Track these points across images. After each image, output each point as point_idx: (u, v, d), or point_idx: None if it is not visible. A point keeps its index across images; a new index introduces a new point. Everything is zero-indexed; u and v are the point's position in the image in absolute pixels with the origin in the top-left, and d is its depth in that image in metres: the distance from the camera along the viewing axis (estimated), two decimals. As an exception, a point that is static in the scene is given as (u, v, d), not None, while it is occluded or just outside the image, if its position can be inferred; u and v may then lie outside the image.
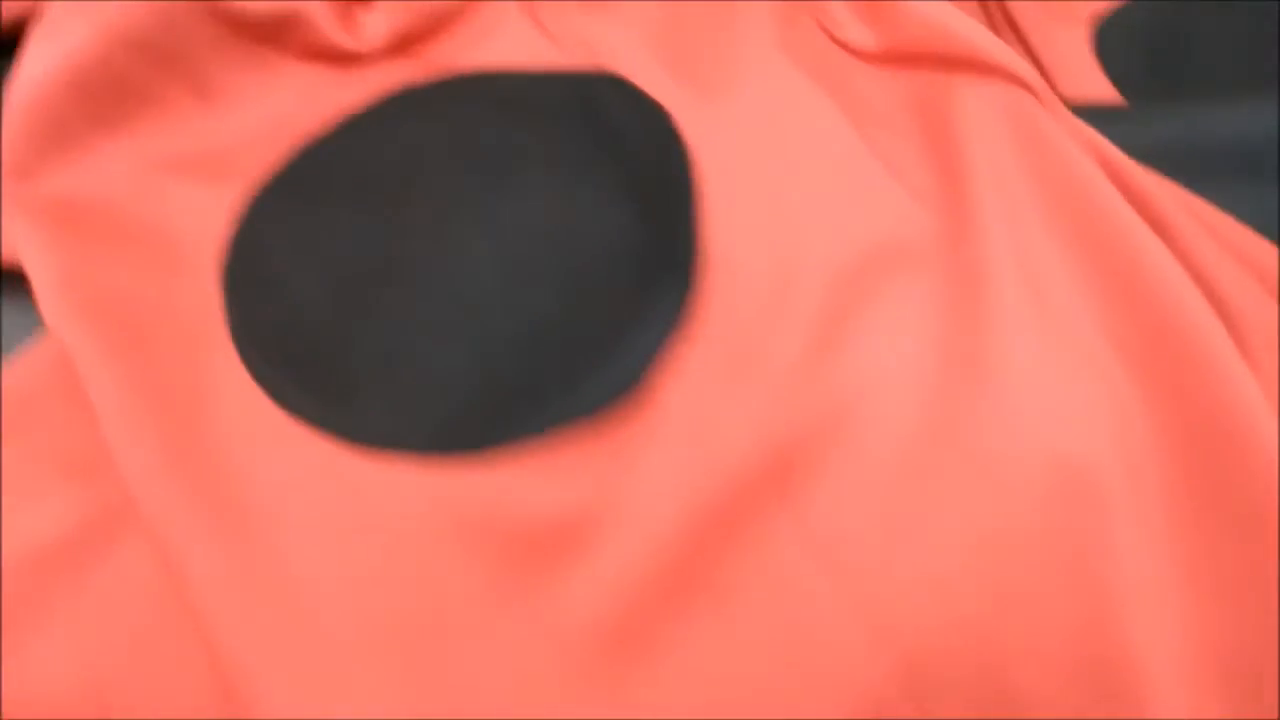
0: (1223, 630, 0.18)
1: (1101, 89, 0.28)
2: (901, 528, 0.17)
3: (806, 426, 0.17)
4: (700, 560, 0.17)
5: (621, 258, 0.19)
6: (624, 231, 0.20)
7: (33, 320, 0.18)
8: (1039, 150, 0.22)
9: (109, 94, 0.21)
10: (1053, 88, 0.28)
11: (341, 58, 0.23)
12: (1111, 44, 0.29)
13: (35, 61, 0.21)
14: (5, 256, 0.20)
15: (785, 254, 0.19)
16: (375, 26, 0.23)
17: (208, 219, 0.20)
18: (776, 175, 0.20)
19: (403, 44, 0.23)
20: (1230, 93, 0.27)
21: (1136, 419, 0.19)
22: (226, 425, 0.18)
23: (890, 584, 0.16)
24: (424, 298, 0.19)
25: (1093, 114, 0.25)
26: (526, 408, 0.18)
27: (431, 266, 0.20)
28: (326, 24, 0.23)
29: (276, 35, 0.22)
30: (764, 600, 0.17)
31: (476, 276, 0.19)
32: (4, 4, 0.23)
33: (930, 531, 0.17)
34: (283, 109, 0.22)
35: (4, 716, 0.16)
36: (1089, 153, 0.22)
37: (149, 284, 0.19)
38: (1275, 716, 0.17)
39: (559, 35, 0.23)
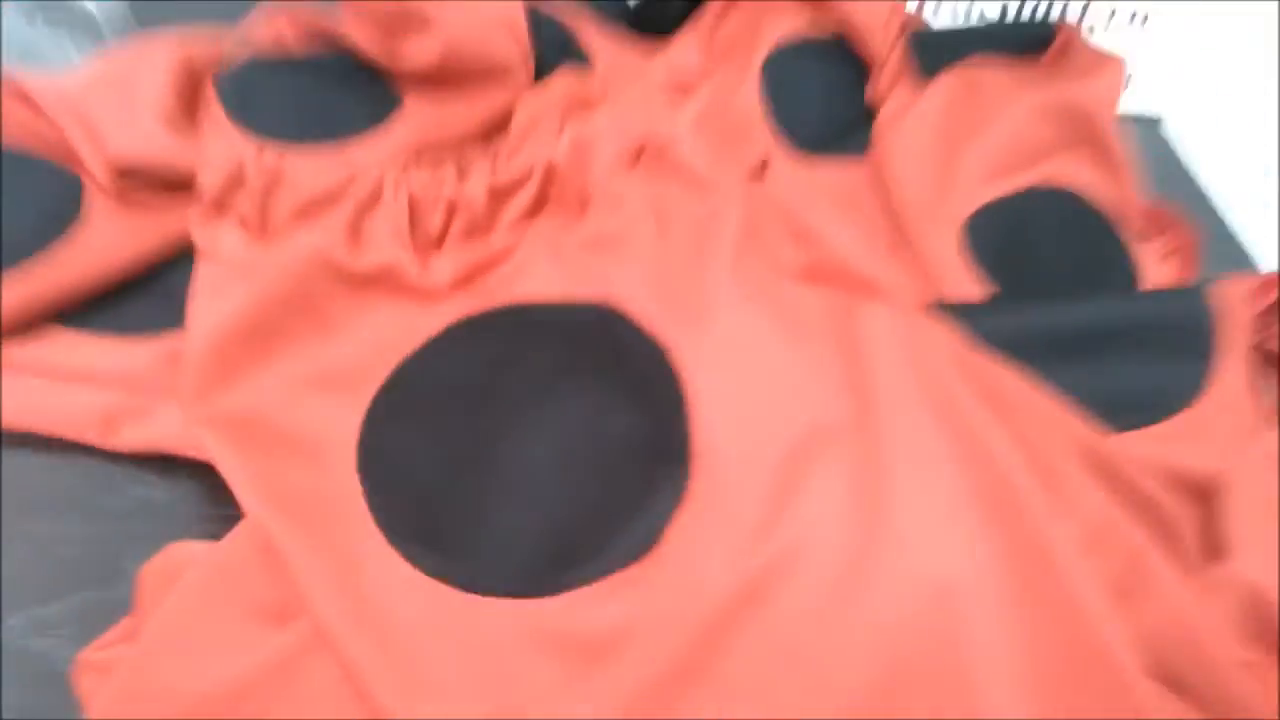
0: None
1: (970, 287, 0.38)
2: (821, 640, 0.25)
3: (765, 568, 0.26)
4: (699, 659, 0.25)
5: (636, 449, 0.28)
6: (634, 429, 0.28)
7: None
8: (918, 353, 0.32)
9: (261, 336, 0.29)
10: (935, 287, 0.38)
11: (421, 293, 0.31)
12: (977, 243, 0.40)
13: (206, 315, 0.29)
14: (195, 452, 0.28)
15: (749, 441, 0.28)
16: (442, 269, 0.32)
17: (340, 423, 0.29)
18: (740, 381, 0.29)
19: (463, 281, 0.32)
20: (1070, 288, 0.38)
21: (990, 554, 0.28)
22: (374, 580, 0.26)
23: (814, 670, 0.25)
24: (503, 481, 0.28)
25: (960, 310, 0.35)
26: (581, 559, 0.26)
27: (505, 457, 0.28)
28: (410, 270, 0.31)
29: (376, 281, 0.31)
30: (750, 687, 0.25)
31: (537, 464, 0.28)
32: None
33: (842, 646, 0.25)
34: (383, 336, 0.30)
35: None
36: (952, 348, 0.32)
37: (306, 475, 0.27)
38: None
39: (576, 271, 0.32)
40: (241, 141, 0.36)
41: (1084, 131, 0.41)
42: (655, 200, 0.33)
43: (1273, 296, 0.40)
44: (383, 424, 0.28)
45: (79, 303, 0.32)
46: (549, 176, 0.33)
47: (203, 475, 0.28)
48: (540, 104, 0.35)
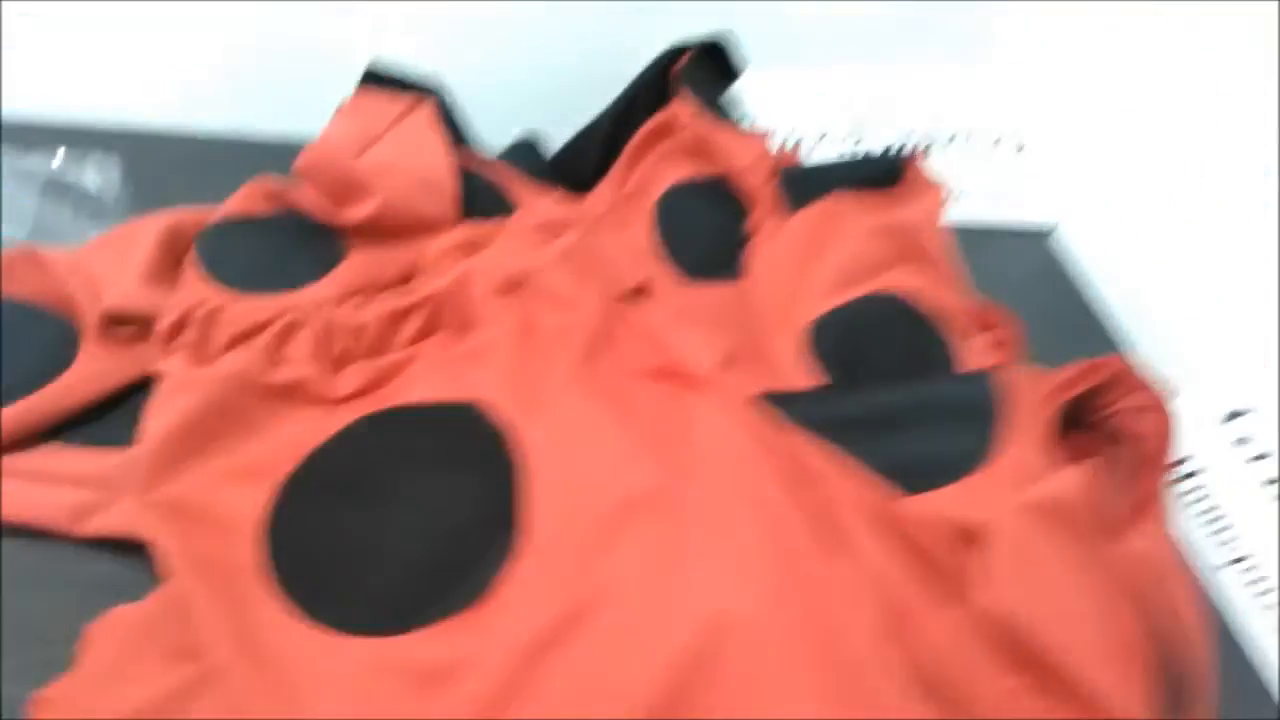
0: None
1: (806, 381, 0.44)
2: (619, 668, 0.31)
3: (572, 612, 0.32)
4: (518, 685, 0.31)
5: (478, 516, 0.35)
6: (478, 501, 0.35)
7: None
8: (733, 434, 0.38)
9: (196, 437, 0.37)
10: (778, 383, 0.44)
11: (329, 401, 0.39)
12: (817, 344, 0.46)
13: (153, 422, 0.37)
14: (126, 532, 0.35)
15: (572, 508, 0.34)
16: (347, 382, 0.39)
17: (253, 503, 0.36)
18: (570, 460, 0.36)
19: (364, 391, 0.40)
20: (886, 378, 0.44)
21: (770, 595, 0.33)
22: (264, 624, 0.32)
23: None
24: (373, 545, 0.34)
25: (780, 398, 0.41)
26: (427, 606, 0.33)
27: (376, 526, 0.35)
28: (320, 383, 0.39)
29: (291, 392, 0.39)
30: (558, 709, 0.31)
31: (400, 531, 0.35)
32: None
33: (635, 672, 0.31)
34: (296, 435, 0.38)
35: None
36: (764, 429, 0.38)
37: (218, 545, 0.34)
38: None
39: (452, 378, 0.39)
40: (202, 290, 0.45)
41: (911, 247, 0.48)
42: (522, 319, 0.40)
43: (1099, 378, 0.46)
44: (285, 503, 0.36)
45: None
46: (437, 305, 0.41)
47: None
48: (442, 248, 0.44)
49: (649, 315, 0.42)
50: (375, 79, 0.60)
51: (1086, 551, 0.34)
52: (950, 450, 0.39)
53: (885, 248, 0.48)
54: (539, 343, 0.39)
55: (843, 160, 0.58)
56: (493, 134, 0.60)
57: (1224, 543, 0.49)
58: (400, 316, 0.40)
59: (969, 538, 0.36)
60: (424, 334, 0.41)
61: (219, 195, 0.52)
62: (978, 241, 0.70)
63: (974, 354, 0.45)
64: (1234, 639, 0.48)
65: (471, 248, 0.43)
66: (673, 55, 0.60)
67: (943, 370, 0.44)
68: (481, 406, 0.38)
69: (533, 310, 0.41)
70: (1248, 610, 0.47)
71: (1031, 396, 0.40)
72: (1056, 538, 0.34)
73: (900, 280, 0.47)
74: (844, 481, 0.37)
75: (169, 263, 0.47)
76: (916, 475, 0.38)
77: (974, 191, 0.70)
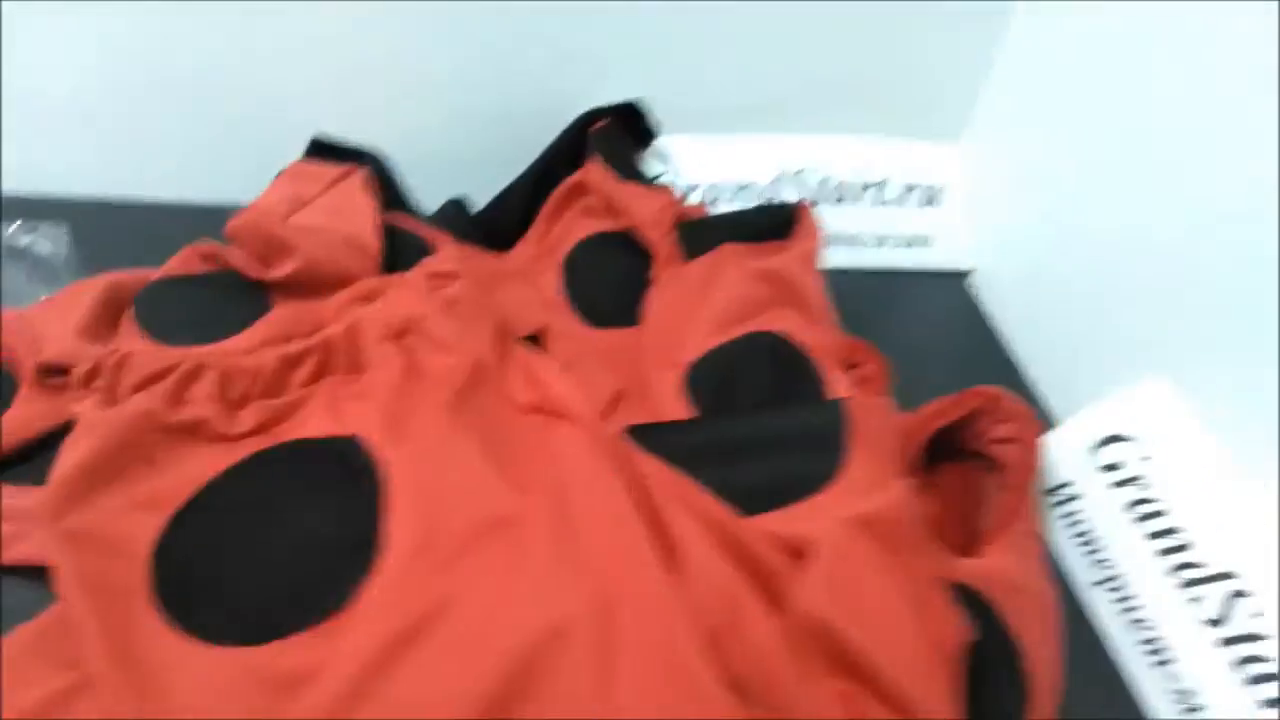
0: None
1: (682, 413, 0.48)
2: (458, 666, 0.34)
3: (419, 618, 0.35)
4: (366, 685, 0.34)
5: (344, 537, 0.38)
6: (345, 524, 0.39)
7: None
8: (594, 460, 0.41)
9: (101, 472, 0.41)
10: (656, 414, 0.48)
11: (228, 439, 0.43)
12: (695, 382, 0.49)
13: (64, 458, 0.41)
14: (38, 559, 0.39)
15: (430, 529, 0.38)
16: (245, 420, 0.43)
17: (147, 530, 0.39)
18: (433, 485, 0.39)
19: (260, 429, 0.43)
20: (747, 412, 0.47)
21: (603, 602, 0.36)
22: (144, 638, 0.36)
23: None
24: (248, 564, 0.38)
25: (643, 429, 0.44)
26: (291, 618, 0.36)
27: (253, 548, 0.38)
28: (220, 422, 0.43)
29: (192, 431, 0.43)
30: (405, 706, 0.34)
31: (273, 551, 0.38)
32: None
33: (473, 670, 0.34)
34: (194, 469, 0.42)
35: None
36: (623, 456, 0.41)
37: (110, 566, 0.38)
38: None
39: (338, 416, 0.43)
40: (135, 343, 0.49)
41: (787, 290, 0.51)
42: (407, 361, 0.44)
43: (967, 408, 0.49)
44: (174, 529, 0.39)
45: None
46: (328, 350, 0.45)
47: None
48: (340, 299, 0.48)
49: (535, 359, 0.46)
50: (321, 149, 0.66)
51: (901, 561, 0.37)
52: (798, 473, 0.42)
53: (763, 291, 0.52)
54: (418, 382, 0.43)
55: (737, 212, 0.62)
56: (429, 197, 0.65)
57: (1096, 562, 0.51)
58: (295, 361, 0.44)
59: (798, 552, 0.38)
60: (317, 376, 0.45)
61: (164, 259, 0.56)
62: (900, 284, 0.74)
63: (840, 388, 0.48)
64: (1107, 654, 0.50)
65: (368, 297, 0.48)
66: (590, 118, 0.65)
67: (810, 401, 0.47)
68: (360, 440, 0.42)
69: (417, 353, 0.45)
70: (1118, 627, 0.49)
71: (877, 423, 0.43)
72: (873, 549, 0.37)
73: (775, 321, 0.50)
74: (688, 503, 0.40)
75: (107, 319, 0.52)
76: (762, 497, 0.41)
77: (892, 237, 0.73)
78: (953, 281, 0.76)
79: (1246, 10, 0.43)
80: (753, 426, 0.44)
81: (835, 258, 0.73)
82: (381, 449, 0.41)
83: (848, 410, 0.43)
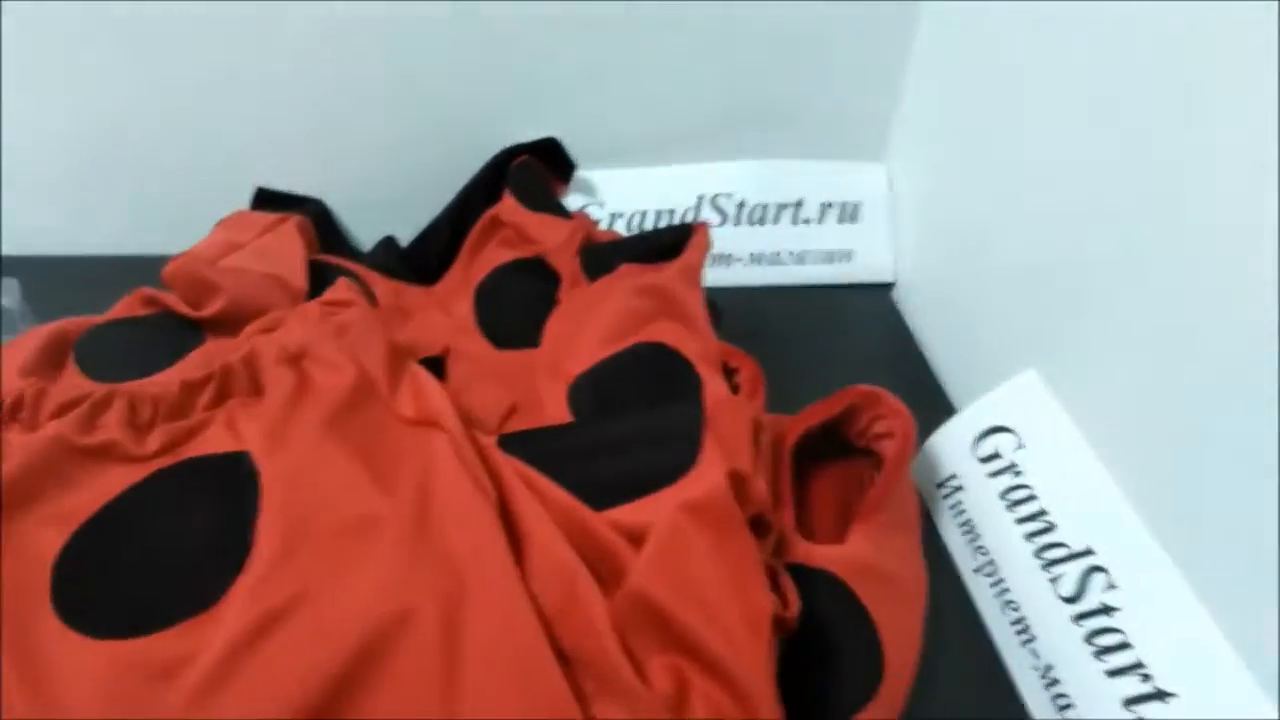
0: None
1: (564, 420, 0.51)
2: (300, 654, 0.37)
3: (273, 610, 0.38)
4: (226, 671, 0.37)
5: (219, 540, 0.42)
6: (222, 528, 0.42)
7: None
8: (461, 463, 0.44)
9: (19, 492, 0.45)
10: (543, 422, 0.51)
11: (135, 459, 0.47)
12: (581, 392, 0.53)
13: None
14: None
15: (299, 532, 0.41)
16: (152, 442, 0.48)
17: (53, 543, 0.43)
18: (303, 491, 0.43)
19: (165, 450, 0.47)
20: (617, 414, 0.50)
21: (447, 589, 0.39)
22: (45, 635, 0.40)
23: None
24: (134, 567, 0.42)
25: (512, 436, 0.48)
26: (168, 612, 0.40)
27: (141, 552, 0.42)
28: (128, 444, 0.47)
29: (103, 452, 0.47)
30: (255, 692, 0.37)
31: (157, 555, 0.42)
32: None
33: (311, 659, 0.37)
34: (103, 487, 0.46)
35: None
36: (486, 459, 0.45)
37: (25, 577, 0.42)
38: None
39: (233, 434, 0.47)
40: (74, 381, 0.54)
41: (668, 302, 0.55)
42: (298, 382, 0.48)
43: (843, 405, 0.52)
44: (77, 539, 0.43)
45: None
46: (228, 374, 0.49)
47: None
48: (247, 331, 0.53)
49: (422, 376, 0.49)
50: (266, 198, 0.71)
51: (724, 543, 0.40)
52: (655, 469, 0.45)
53: (647, 304, 0.55)
54: (304, 399, 0.47)
55: (641, 234, 0.65)
56: (366, 237, 0.70)
57: (977, 549, 0.53)
58: (197, 386, 0.48)
59: (640, 539, 0.41)
60: (220, 400, 0.49)
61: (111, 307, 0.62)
62: (825, 297, 0.77)
63: (720, 391, 0.51)
64: (988, 638, 0.51)
65: (270, 327, 0.52)
66: (509, 155, 0.69)
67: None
68: (249, 454, 0.45)
69: (308, 375, 0.48)
70: (993, 610, 0.51)
71: (731, 420, 0.46)
72: (700, 532, 0.40)
73: (657, 332, 0.54)
74: (542, 498, 0.43)
75: (49, 361, 0.57)
76: (620, 491, 0.44)
77: (811, 253, 0.76)
78: (877, 293, 0.78)
79: (1159, 17, 0.43)
80: (618, 426, 0.47)
81: (760, 276, 0.76)
82: (260, 460, 0.44)
83: (706, 410, 0.46)
